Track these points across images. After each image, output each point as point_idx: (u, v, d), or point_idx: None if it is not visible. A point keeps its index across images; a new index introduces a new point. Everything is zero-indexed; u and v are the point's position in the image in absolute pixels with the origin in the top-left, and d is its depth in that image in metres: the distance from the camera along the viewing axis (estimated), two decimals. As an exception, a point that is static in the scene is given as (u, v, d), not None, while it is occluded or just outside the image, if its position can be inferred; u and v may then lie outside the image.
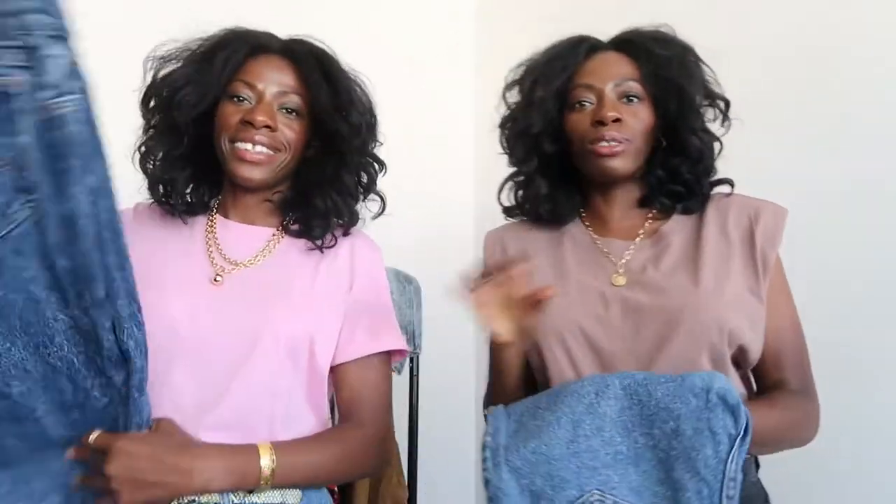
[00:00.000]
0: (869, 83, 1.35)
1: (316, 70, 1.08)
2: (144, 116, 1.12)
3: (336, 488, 1.56)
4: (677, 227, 1.09)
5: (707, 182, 1.10)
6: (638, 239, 1.10)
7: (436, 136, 2.23)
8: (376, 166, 1.17)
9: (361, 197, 1.16)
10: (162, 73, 1.10)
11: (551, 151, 1.12)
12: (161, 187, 1.10)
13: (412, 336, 1.86)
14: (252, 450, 0.94)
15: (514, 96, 1.17)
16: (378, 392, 1.08)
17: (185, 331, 0.99)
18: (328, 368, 1.06)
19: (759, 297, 1.01)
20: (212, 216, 1.13)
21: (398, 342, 1.12)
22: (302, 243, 1.11)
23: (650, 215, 1.12)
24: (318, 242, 1.11)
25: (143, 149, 1.11)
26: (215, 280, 1.04)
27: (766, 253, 1.02)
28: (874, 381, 1.31)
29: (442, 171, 2.26)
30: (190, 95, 1.06)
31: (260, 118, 1.03)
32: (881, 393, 1.30)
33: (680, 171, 1.08)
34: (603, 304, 1.05)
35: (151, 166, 1.11)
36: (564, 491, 0.88)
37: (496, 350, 1.06)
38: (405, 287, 1.89)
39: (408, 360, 1.86)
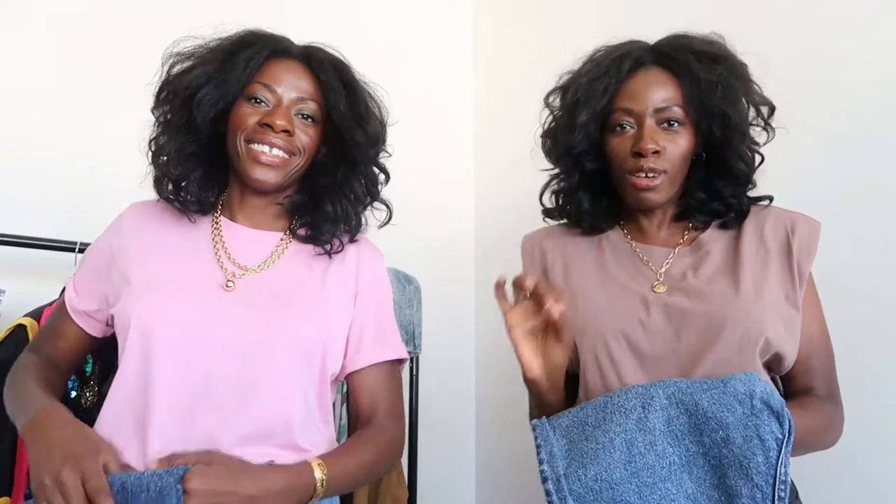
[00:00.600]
0: (868, 85, 1.35)
1: (335, 78, 1.09)
2: (158, 111, 1.11)
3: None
4: (716, 235, 1.10)
5: (746, 199, 1.10)
6: (677, 248, 1.11)
7: (436, 135, 2.23)
8: (382, 175, 1.18)
9: (368, 203, 1.17)
10: (177, 69, 1.10)
11: (593, 168, 1.13)
12: (170, 184, 1.09)
13: (412, 336, 1.86)
14: (305, 467, 0.96)
15: (556, 104, 1.17)
16: (394, 395, 1.12)
17: (198, 337, 0.98)
18: (336, 373, 1.08)
19: (795, 306, 1.03)
20: (216, 216, 1.13)
21: (403, 351, 1.15)
22: (310, 248, 1.12)
23: (689, 226, 1.13)
24: (327, 248, 1.11)
25: (154, 144, 1.11)
26: (227, 286, 1.04)
27: (802, 263, 1.04)
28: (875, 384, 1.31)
29: (442, 170, 2.26)
30: (211, 94, 1.05)
31: (280, 122, 1.04)
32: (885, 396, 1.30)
33: (723, 194, 1.09)
34: (645, 308, 1.05)
35: (161, 161, 1.10)
36: None
37: (528, 384, 1.05)
38: (405, 287, 1.90)
39: (408, 359, 1.86)
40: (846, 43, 1.37)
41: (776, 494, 0.87)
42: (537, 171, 1.21)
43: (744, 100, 1.07)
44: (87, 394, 1.29)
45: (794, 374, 1.05)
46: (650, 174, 1.05)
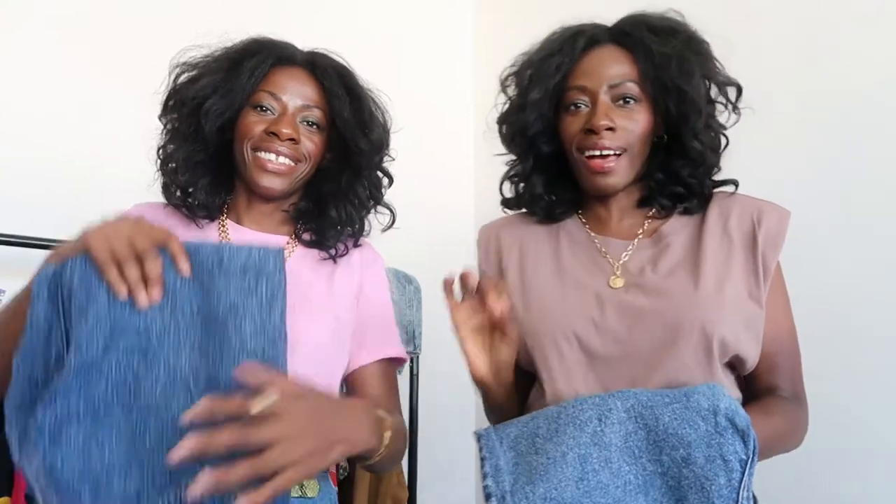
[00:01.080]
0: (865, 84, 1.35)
1: (339, 85, 1.10)
2: (165, 119, 1.13)
3: (336, 489, 1.57)
4: (678, 226, 1.04)
5: (709, 182, 1.05)
6: (637, 239, 1.05)
7: (436, 135, 2.23)
8: (385, 179, 1.19)
9: (371, 207, 1.18)
10: (183, 79, 1.11)
11: (547, 151, 1.09)
12: (178, 190, 1.11)
13: (412, 336, 1.86)
14: (378, 417, 0.92)
15: (512, 89, 1.14)
16: (394, 392, 1.13)
17: None
18: (342, 374, 1.09)
19: (758, 303, 0.97)
20: (222, 220, 1.13)
21: (402, 351, 1.16)
22: (315, 252, 1.13)
23: (650, 214, 1.07)
24: (332, 252, 1.13)
25: (162, 152, 1.13)
26: None
27: (767, 256, 0.98)
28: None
29: (442, 170, 2.26)
30: (217, 104, 1.07)
31: (286, 130, 1.05)
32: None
33: (681, 175, 1.03)
34: (599, 306, 1.00)
35: (170, 169, 1.12)
36: None
37: (476, 383, 1.02)
38: (405, 287, 1.90)
39: (408, 359, 1.86)
40: (822, 29, 1.37)
41: None
42: (493, 159, 1.17)
43: (702, 76, 1.02)
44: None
45: (758, 372, 0.99)
46: (605, 152, 1.00)
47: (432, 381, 1.98)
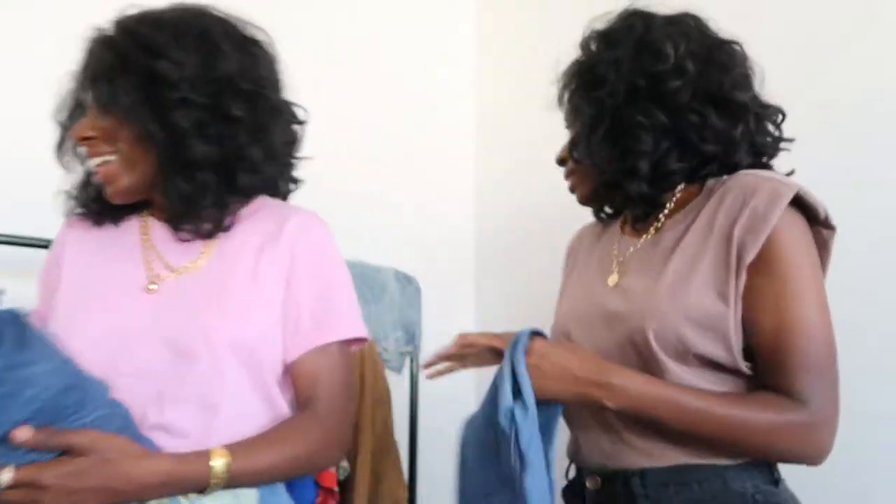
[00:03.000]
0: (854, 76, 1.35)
1: (107, 51, 0.96)
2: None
3: (336, 489, 1.57)
4: (678, 219, 1.00)
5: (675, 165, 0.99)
6: (647, 236, 1.03)
7: (436, 135, 2.23)
8: (242, 113, 0.95)
9: (231, 161, 0.96)
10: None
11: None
12: (90, 189, 1.02)
13: (412, 336, 1.86)
14: (204, 455, 0.85)
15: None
16: (339, 380, 0.99)
17: (119, 344, 0.91)
18: (281, 364, 0.98)
19: (725, 299, 0.91)
20: (143, 217, 1.04)
21: (355, 328, 1.01)
22: (239, 234, 0.99)
23: (662, 213, 1.04)
24: (196, 230, 0.98)
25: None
26: (149, 288, 0.96)
27: (745, 245, 0.90)
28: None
29: (442, 170, 2.26)
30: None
31: (78, 134, 0.95)
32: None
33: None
34: (587, 305, 1.02)
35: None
36: None
37: None
38: (405, 287, 1.90)
39: (408, 359, 1.87)
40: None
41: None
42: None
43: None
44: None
45: (759, 371, 0.92)
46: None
47: (432, 381, 1.98)
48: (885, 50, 1.31)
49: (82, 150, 0.99)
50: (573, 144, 1.08)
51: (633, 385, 0.90)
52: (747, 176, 0.95)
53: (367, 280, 1.77)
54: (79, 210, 1.04)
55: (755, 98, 1.01)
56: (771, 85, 1.04)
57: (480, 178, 2.28)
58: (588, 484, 1.00)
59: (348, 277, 1.04)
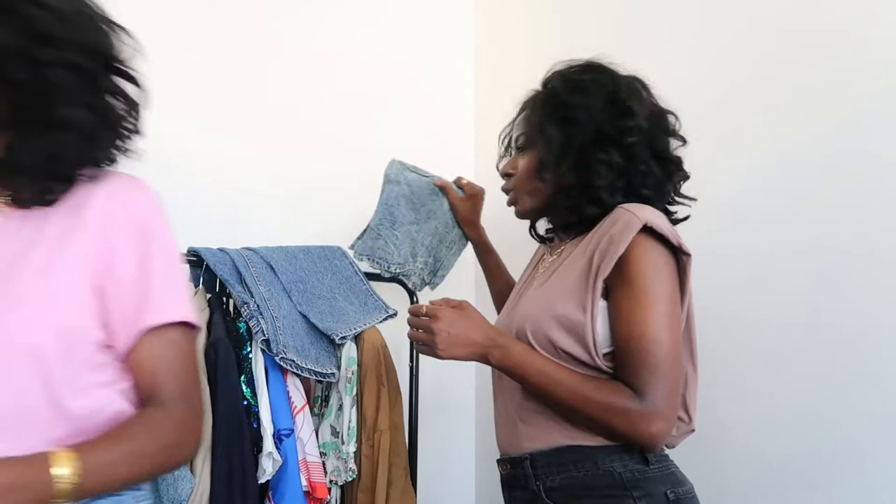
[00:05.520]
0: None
1: None
2: None
3: (328, 498, 1.56)
4: (576, 243, 1.19)
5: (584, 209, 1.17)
6: (558, 253, 1.24)
7: (436, 135, 2.23)
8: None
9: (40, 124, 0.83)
10: None
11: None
12: None
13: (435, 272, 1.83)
14: (41, 459, 0.73)
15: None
16: (180, 367, 0.88)
17: None
18: (107, 355, 0.86)
19: (584, 311, 1.08)
20: None
21: (181, 310, 0.89)
22: (34, 210, 0.85)
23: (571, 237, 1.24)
24: (29, 203, 0.84)
25: None
26: None
27: (601, 268, 1.08)
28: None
29: (442, 170, 2.25)
30: None
31: None
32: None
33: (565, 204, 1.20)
34: (508, 306, 1.30)
35: None
36: None
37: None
38: (405, 286, 1.89)
39: (408, 359, 1.87)
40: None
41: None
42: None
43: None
44: None
45: (615, 367, 1.08)
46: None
47: (432, 380, 1.99)
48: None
49: None
50: (541, 164, 1.22)
51: (516, 349, 1.11)
52: (620, 209, 1.12)
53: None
54: None
55: (680, 159, 1.22)
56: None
57: (480, 178, 2.28)
58: (500, 469, 1.21)
59: (172, 250, 0.91)
